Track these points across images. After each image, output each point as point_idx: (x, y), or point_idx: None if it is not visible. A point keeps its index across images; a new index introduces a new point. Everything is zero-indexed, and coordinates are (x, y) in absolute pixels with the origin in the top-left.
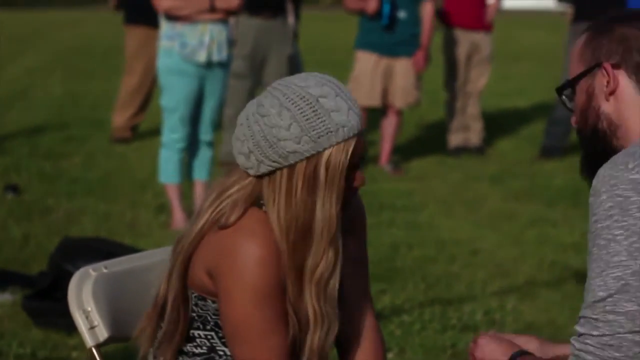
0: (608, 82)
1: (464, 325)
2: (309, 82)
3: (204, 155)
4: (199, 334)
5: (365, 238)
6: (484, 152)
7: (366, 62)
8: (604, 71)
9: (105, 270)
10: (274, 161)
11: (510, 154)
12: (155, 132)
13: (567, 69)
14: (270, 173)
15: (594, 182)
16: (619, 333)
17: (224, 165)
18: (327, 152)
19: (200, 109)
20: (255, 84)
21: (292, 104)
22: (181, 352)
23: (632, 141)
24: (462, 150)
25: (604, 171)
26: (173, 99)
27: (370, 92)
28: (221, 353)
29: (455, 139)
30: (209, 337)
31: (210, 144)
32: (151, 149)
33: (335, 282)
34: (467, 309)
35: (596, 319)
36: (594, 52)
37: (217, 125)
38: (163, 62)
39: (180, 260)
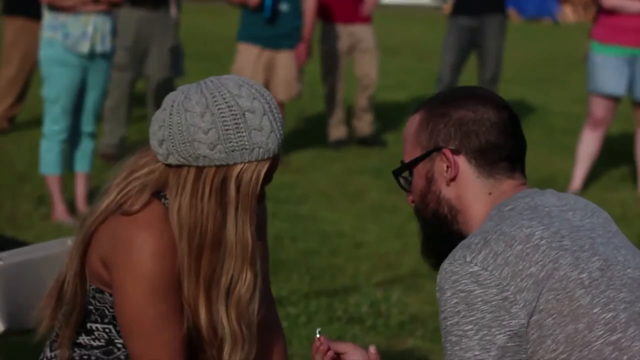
0: (448, 168)
1: (350, 317)
2: (242, 93)
3: (85, 147)
4: (96, 327)
5: (267, 235)
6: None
7: (248, 55)
8: (443, 157)
9: (0, 263)
10: (183, 157)
11: (391, 147)
12: (33, 123)
13: (444, 64)
14: (178, 166)
15: (438, 278)
16: None
17: (104, 157)
18: (237, 167)
19: (82, 100)
20: (137, 76)
21: (218, 109)
22: (79, 345)
23: (472, 226)
24: (343, 143)
25: (445, 267)
26: (55, 90)
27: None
28: (119, 345)
29: (335, 132)
30: (107, 330)
31: (92, 136)
32: (30, 140)
33: (254, 307)
34: (352, 300)
35: None
36: (431, 137)
37: (99, 117)
38: (45, 53)
39: (81, 237)
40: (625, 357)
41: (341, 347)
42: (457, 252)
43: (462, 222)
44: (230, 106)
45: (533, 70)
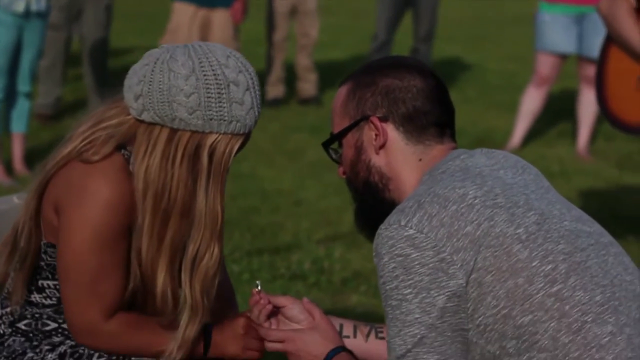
0: (377, 136)
1: (292, 274)
2: (230, 63)
3: (22, 107)
4: (47, 284)
5: None
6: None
7: (183, 14)
8: (371, 125)
9: None
10: (159, 116)
11: (328, 104)
12: None
13: (379, 20)
14: (150, 124)
15: (375, 243)
16: None
17: (40, 118)
18: (212, 137)
19: (18, 60)
20: (72, 35)
21: (204, 75)
22: (31, 303)
23: (404, 192)
24: (281, 102)
25: (380, 232)
26: None
27: (187, 42)
28: None
29: (273, 91)
30: (58, 287)
31: (29, 95)
32: None
33: (216, 280)
34: (294, 258)
35: None
36: (358, 106)
37: (35, 77)
38: None
39: (39, 181)
40: (567, 307)
41: (280, 300)
42: (392, 217)
43: (394, 190)
44: (217, 75)
45: (468, 28)
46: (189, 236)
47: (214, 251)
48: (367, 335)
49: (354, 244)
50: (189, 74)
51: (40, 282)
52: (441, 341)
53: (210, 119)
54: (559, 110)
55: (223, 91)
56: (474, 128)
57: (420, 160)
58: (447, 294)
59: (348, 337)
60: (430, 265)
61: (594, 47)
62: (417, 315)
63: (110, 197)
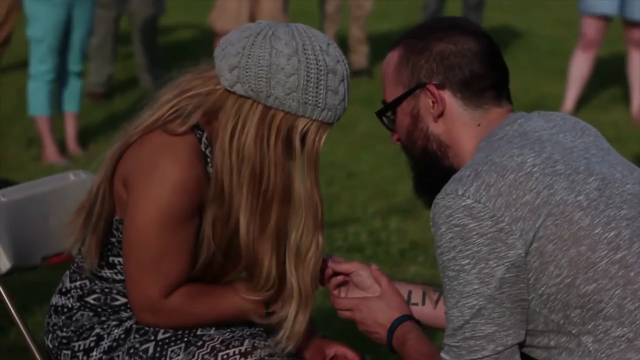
0: (434, 104)
1: (350, 246)
2: (330, 51)
3: (74, 86)
4: (119, 261)
5: None
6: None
7: None
8: (428, 92)
9: (3, 199)
10: (253, 90)
11: (379, 76)
12: (19, 65)
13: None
14: (241, 97)
15: (432, 212)
16: (484, 356)
17: (91, 96)
18: (303, 121)
19: (68, 38)
20: (121, 13)
21: (306, 59)
22: (101, 278)
23: (464, 159)
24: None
25: (437, 201)
26: (40, 29)
27: (236, 16)
28: None
29: None
30: None
31: (80, 74)
32: (16, 82)
33: (319, 269)
34: (351, 230)
35: (458, 347)
36: (412, 73)
37: (85, 56)
38: None
39: (119, 145)
40: (632, 273)
41: (347, 267)
42: (449, 186)
43: (453, 157)
44: (318, 60)
45: None
46: (291, 223)
47: (320, 241)
48: (436, 302)
49: (410, 215)
50: (292, 54)
51: (111, 258)
52: (500, 312)
53: (305, 103)
54: (611, 75)
55: (322, 78)
56: (525, 95)
57: (479, 125)
58: (506, 264)
59: (417, 304)
60: (489, 235)
61: (637, 10)
62: (475, 286)
63: (180, 179)
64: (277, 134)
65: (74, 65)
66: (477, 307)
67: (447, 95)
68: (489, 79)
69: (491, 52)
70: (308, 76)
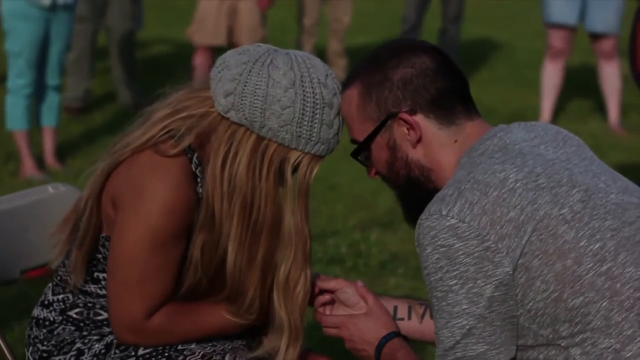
0: (410, 130)
1: (330, 258)
2: (328, 84)
3: (51, 101)
4: (103, 277)
5: None
6: None
7: (210, 2)
8: (401, 121)
9: None
10: (247, 119)
11: None
12: None
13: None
14: (234, 123)
15: (417, 233)
16: None
17: (69, 111)
18: (295, 154)
19: (46, 53)
20: (98, 28)
21: (304, 92)
22: (85, 292)
23: (446, 180)
24: None
25: (422, 222)
26: (18, 43)
27: (214, 31)
28: None
29: None
30: None
31: (58, 89)
32: None
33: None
34: (331, 242)
35: None
36: (379, 107)
37: (63, 71)
38: (7, 6)
39: (109, 163)
40: (618, 284)
41: (332, 284)
42: (432, 206)
43: (436, 179)
44: (315, 94)
45: (496, 8)
46: (280, 255)
47: (308, 275)
48: (422, 316)
49: (390, 227)
50: (289, 86)
51: (96, 274)
52: (490, 331)
53: (299, 136)
54: (585, 85)
55: (317, 112)
56: (505, 107)
57: (455, 141)
58: (494, 282)
59: (403, 319)
60: (475, 254)
61: (598, 21)
62: (464, 306)
63: (170, 202)
64: (270, 164)
65: (51, 79)
66: (467, 327)
67: (420, 119)
68: (455, 92)
69: (447, 64)
70: (304, 110)
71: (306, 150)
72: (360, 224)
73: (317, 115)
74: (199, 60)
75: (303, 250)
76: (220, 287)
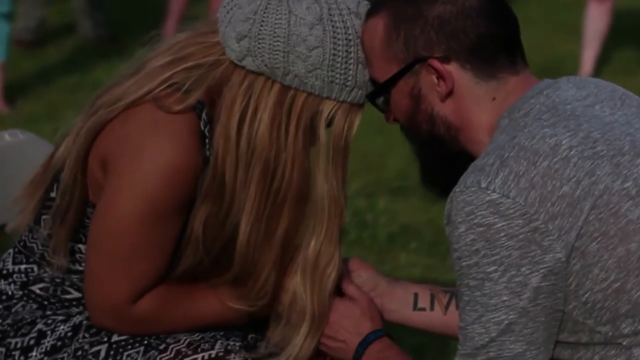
0: (439, 81)
1: None
2: (361, 13)
3: (0, 31)
4: (79, 248)
5: None
6: None
7: None
8: (430, 68)
9: None
10: (267, 66)
11: None
12: None
13: None
14: (251, 72)
15: (447, 209)
16: None
17: (20, 44)
18: (329, 105)
19: None
20: None
21: (333, 27)
22: (53, 265)
23: (479, 142)
24: None
25: (456, 196)
26: None
27: None
28: None
29: None
30: None
31: (8, 16)
32: None
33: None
34: None
35: None
36: (406, 47)
37: None
38: None
39: (97, 120)
40: None
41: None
42: (469, 177)
43: (465, 141)
44: (348, 28)
45: None
46: (304, 232)
47: (337, 257)
48: (447, 307)
49: (401, 193)
50: (316, 21)
51: (70, 243)
52: (532, 328)
53: (332, 82)
54: (631, 31)
55: (352, 50)
56: (539, 55)
57: (494, 99)
58: (542, 271)
59: (424, 309)
60: (521, 236)
61: None
62: (504, 298)
63: (173, 165)
64: (298, 120)
65: (1, 5)
66: (506, 322)
67: (453, 68)
68: (500, 39)
69: (494, 2)
70: (335, 49)
71: (342, 99)
72: (365, 189)
73: (352, 54)
74: None
75: (338, 222)
76: (225, 269)
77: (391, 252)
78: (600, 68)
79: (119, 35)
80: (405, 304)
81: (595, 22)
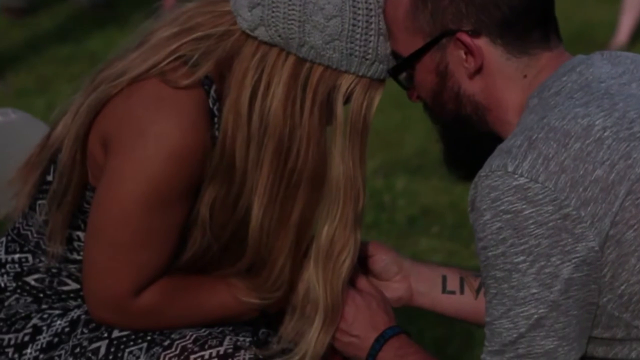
0: (468, 56)
1: None
2: None
3: None
4: (78, 236)
5: None
6: None
7: None
8: (458, 42)
9: None
10: (281, 36)
11: None
12: None
13: None
14: (264, 43)
15: (471, 194)
16: None
17: (9, 12)
18: (348, 79)
19: None
20: None
21: None
22: (50, 254)
23: (509, 123)
24: None
25: (480, 181)
26: None
27: None
28: None
29: None
30: None
31: None
32: None
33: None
34: None
35: None
36: (434, 18)
37: None
38: None
39: (97, 96)
40: None
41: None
42: (494, 160)
43: (494, 121)
44: None
45: None
46: (320, 216)
47: (357, 239)
48: (477, 291)
49: (421, 172)
50: None
51: (69, 231)
52: (564, 322)
53: (351, 54)
54: None
55: (373, 20)
56: (568, 22)
57: (525, 77)
58: (574, 261)
59: (454, 292)
60: (551, 224)
61: None
62: (533, 290)
63: (180, 145)
64: (314, 96)
65: None
66: (536, 316)
67: (484, 43)
68: (533, 13)
69: None
70: (355, 18)
71: (361, 73)
72: (382, 169)
73: (373, 25)
74: None
75: (355, 206)
76: (237, 256)
77: (411, 236)
78: (637, 37)
79: (115, 2)
80: (434, 285)
81: None
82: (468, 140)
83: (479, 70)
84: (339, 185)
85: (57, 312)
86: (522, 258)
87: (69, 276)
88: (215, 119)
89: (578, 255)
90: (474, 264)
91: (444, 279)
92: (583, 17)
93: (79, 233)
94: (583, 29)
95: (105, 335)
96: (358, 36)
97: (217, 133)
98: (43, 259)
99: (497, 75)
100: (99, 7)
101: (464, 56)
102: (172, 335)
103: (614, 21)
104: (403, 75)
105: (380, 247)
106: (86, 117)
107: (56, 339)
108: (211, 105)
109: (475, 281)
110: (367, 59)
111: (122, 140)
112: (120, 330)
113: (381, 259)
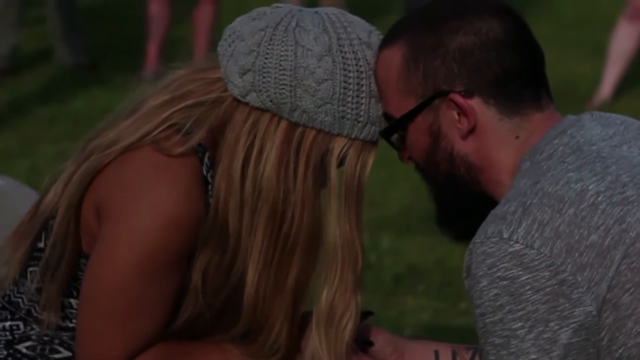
0: (461, 117)
1: None
2: (372, 43)
3: None
4: (70, 303)
5: None
6: None
7: None
8: (451, 103)
9: None
10: (273, 101)
11: None
12: None
13: None
14: (256, 109)
15: (467, 261)
16: None
17: None
18: (340, 142)
19: None
20: None
21: (343, 58)
22: (41, 321)
23: (501, 185)
24: None
25: (475, 248)
26: None
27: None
28: None
29: None
30: None
31: None
32: None
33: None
34: None
35: None
36: (425, 79)
37: None
38: None
39: (91, 164)
40: None
41: None
42: (489, 227)
43: (486, 182)
44: (359, 59)
45: None
46: (319, 277)
47: (358, 302)
48: None
49: (406, 231)
50: (324, 52)
51: (62, 298)
52: None
53: (343, 117)
54: None
55: (364, 82)
56: (552, 76)
57: (517, 137)
58: (572, 326)
59: None
60: (547, 289)
61: None
62: (533, 356)
63: (175, 214)
64: (307, 160)
65: None
66: None
67: (476, 103)
68: (526, 73)
69: (520, 33)
70: (346, 81)
71: (353, 136)
72: (368, 227)
73: (364, 87)
74: (155, 8)
75: (353, 268)
76: (231, 322)
77: (397, 295)
78: (619, 91)
79: (97, 62)
80: None
81: (624, 42)
82: (461, 200)
83: (472, 130)
84: (335, 249)
85: None
86: (520, 324)
87: (61, 344)
88: (209, 187)
89: (576, 320)
90: (461, 322)
91: (436, 354)
92: (566, 71)
93: (72, 300)
94: (567, 83)
95: None
96: (350, 99)
97: (210, 200)
98: (35, 326)
99: (490, 135)
100: (82, 68)
101: (456, 117)
102: None
103: (597, 75)
104: (395, 137)
105: (373, 329)
106: (79, 186)
107: None
108: (205, 172)
109: (467, 354)
110: (359, 122)
111: (116, 208)
112: None
113: (376, 339)
